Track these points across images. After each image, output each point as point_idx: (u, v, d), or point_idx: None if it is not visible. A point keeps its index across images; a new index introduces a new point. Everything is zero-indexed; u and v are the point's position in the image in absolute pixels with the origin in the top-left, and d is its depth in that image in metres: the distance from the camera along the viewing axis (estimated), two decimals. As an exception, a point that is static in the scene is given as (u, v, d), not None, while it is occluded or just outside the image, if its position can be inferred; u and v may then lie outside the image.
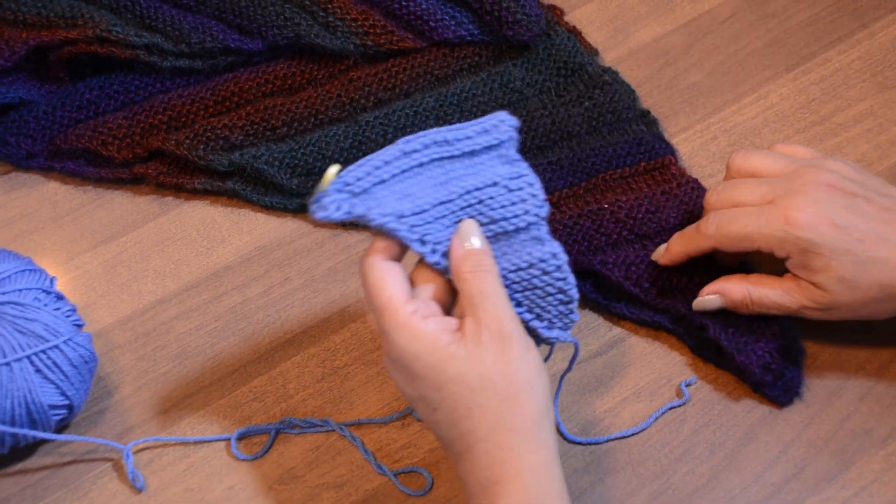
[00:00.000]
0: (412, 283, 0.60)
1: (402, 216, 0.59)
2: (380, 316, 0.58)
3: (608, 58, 0.85)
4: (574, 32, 0.85)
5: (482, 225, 0.60)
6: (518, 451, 0.56)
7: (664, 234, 0.72)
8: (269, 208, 0.78)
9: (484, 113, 0.80)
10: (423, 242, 0.59)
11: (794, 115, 0.82)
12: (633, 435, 0.66)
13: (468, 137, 0.61)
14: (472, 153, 0.61)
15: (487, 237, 0.60)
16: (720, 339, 0.67)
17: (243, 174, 0.77)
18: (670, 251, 0.69)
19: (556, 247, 0.60)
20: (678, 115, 0.82)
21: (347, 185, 0.58)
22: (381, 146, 0.77)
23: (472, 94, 0.80)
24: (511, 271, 0.60)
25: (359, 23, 0.82)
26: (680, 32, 0.87)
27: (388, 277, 0.58)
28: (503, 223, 0.60)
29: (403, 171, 0.60)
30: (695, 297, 0.69)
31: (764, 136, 0.80)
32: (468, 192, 0.60)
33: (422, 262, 0.60)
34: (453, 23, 0.82)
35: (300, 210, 0.77)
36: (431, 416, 0.58)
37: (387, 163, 0.59)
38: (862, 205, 0.64)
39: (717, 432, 0.67)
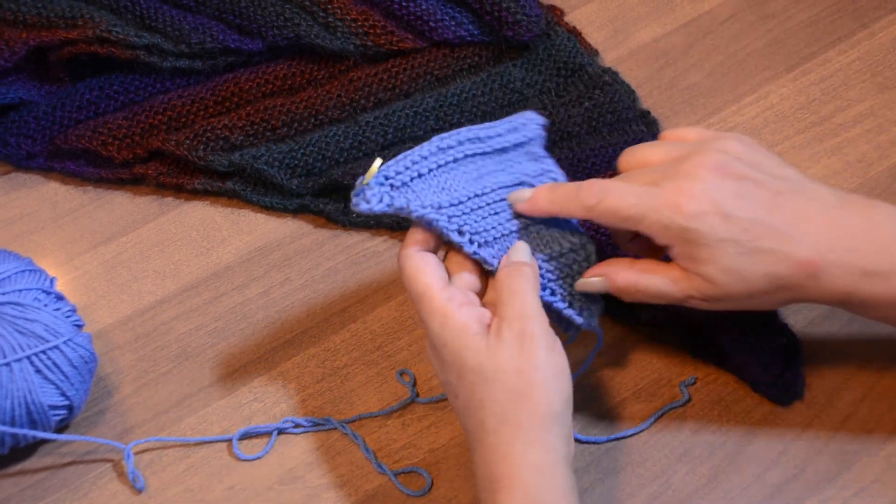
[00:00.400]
0: (447, 272, 0.62)
1: (440, 207, 0.61)
2: (418, 303, 0.60)
3: (608, 58, 0.85)
4: (574, 33, 0.85)
5: (515, 217, 0.63)
6: (520, 449, 0.56)
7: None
8: (268, 209, 0.78)
9: (484, 113, 0.80)
10: (460, 233, 0.61)
11: (794, 115, 0.82)
12: (633, 435, 0.66)
13: (499, 135, 0.65)
14: (503, 150, 0.65)
15: (520, 228, 0.63)
16: (720, 339, 0.67)
17: (243, 174, 0.77)
18: (534, 203, 0.63)
19: (585, 238, 0.64)
20: (678, 116, 0.82)
21: (388, 178, 0.61)
22: (382, 147, 0.78)
23: (472, 94, 0.80)
24: (544, 261, 0.63)
25: (359, 23, 0.82)
26: (680, 33, 0.87)
27: (425, 266, 0.60)
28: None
29: (439, 166, 0.62)
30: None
31: (764, 137, 0.80)
32: (501, 188, 0.64)
33: (454, 251, 0.63)
34: (453, 23, 0.82)
35: (300, 210, 0.77)
36: (455, 402, 0.60)
37: (424, 158, 0.62)
38: (752, 189, 0.59)
39: (717, 432, 0.67)
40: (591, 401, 0.68)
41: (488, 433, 0.57)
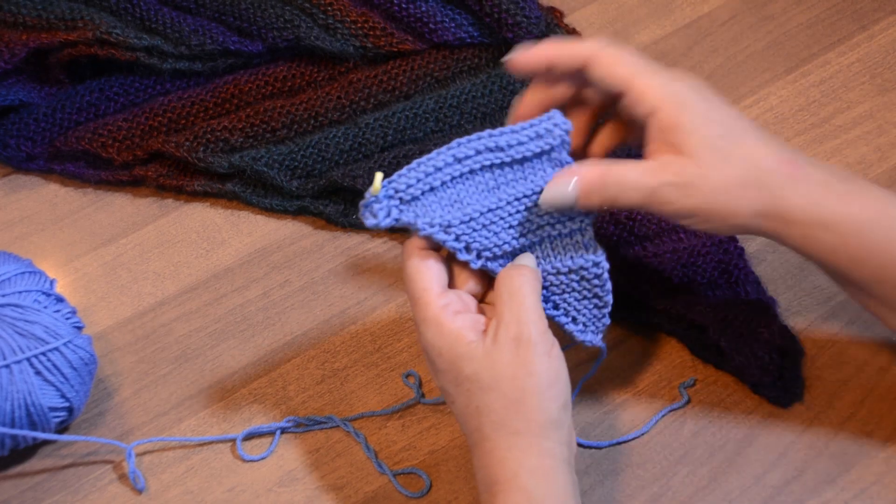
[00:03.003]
0: (451, 271, 0.61)
1: (449, 226, 0.59)
2: (413, 307, 0.59)
3: (608, 60, 0.85)
4: (574, 34, 0.85)
5: (530, 231, 0.61)
6: (517, 454, 0.56)
7: (664, 236, 0.72)
8: (268, 210, 0.78)
9: (484, 115, 0.80)
10: (468, 250, 0.60)
11: (793, 117, 0.82)
12: (633, 439, 0.66)
13: (520, 143, 0.60)
14: (524, 159, 0.60)
15: (534, 241, 0.61)
16: (720, 341, 0.67)
17: (243, 176, 0.78)
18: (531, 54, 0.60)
19: (600, 255, 0.61)
20: (678, 118, 0.82)
21: (397, 191, 0.59)
22: (381, 148, 0.78)
23: (471, 95, 0.80)
24: (552, 274, 0.61)
25: (359, 25, 0.82)
26: (679, 35, 0.87)
27: (425, 269, 0.59)
28: (549, 228, 0.61)
29: (453, 178, 0.60)
30: (695, 298, 0.69)
31: (763, 138, 0.80)
32: (517, 199, 0.60)
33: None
34: (453, 25, 0.82)
35: (300, 212, 0.77)
36: (452, 406, 0.59)
37: (438, 169, 0.59)
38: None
39: (717, 434, 0.67)
40: (590, 402, 0.68)
41: (486, 438, 0.57)
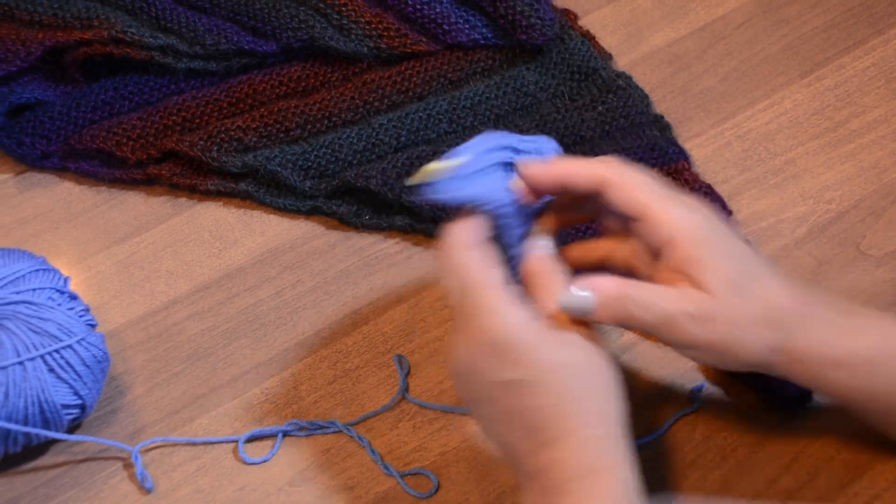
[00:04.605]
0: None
1: (482, 199, 0.59)
2: (471, 297, 0.57)
3: (622, 62, 0.85)
4: (588, 37, 0.85)
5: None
6: (611, 444, 0.56)
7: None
8: (281, 210, 0.78)
9: (497, 117, 0.80)
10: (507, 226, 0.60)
11: (808, 121, 0.81)
12: (644, 444, 0.66)
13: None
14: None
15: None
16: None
17: (256, 176, 0.78)
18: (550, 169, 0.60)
19: None
20: (691, 121, 0.82)
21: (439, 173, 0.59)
22: (394, 149, 0.78)
23: (485, 97, 0.80)
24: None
25: (373, 26, 0.82)
26: (694, 37, 0.87)
27: (485, 258, 0.58)
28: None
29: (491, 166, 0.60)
30: None
31: (777, 142, 0.80)
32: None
33: None
34: (467, 26, 0.82)
35: (313, 212, 0.77)
36: (521, 401, 0.56)
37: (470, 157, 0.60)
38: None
39: (729, 439, 0.66)
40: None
41: (584, 426, 0.55)
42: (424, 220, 0.75)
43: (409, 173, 0.75)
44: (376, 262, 0.75)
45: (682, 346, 0.59)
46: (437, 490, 0.65)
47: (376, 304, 0.73)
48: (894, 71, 0.84)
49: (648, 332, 0.59)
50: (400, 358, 0.70)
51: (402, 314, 0.72)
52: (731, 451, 0.66)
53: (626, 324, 0.59)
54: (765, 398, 0.68)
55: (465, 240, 0.58)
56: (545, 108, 0.80)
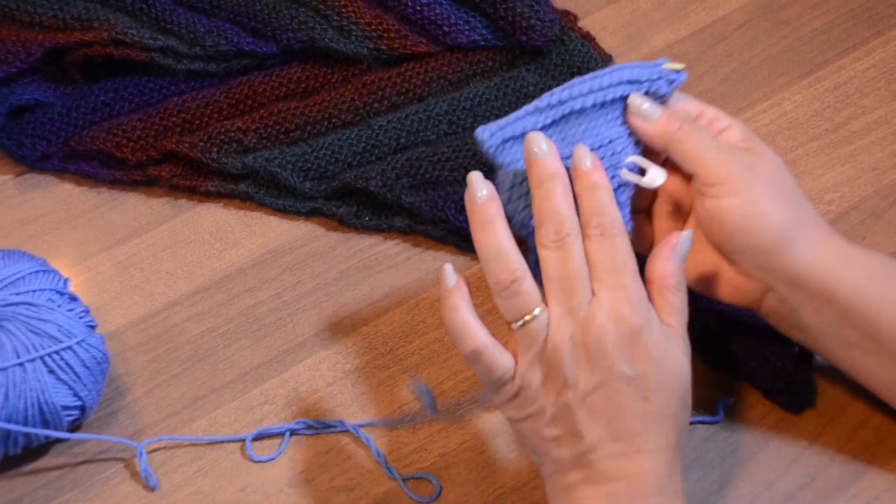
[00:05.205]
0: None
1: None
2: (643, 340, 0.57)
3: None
4: (588, 38, 0.85)
5: None
6: (679, 469, 0.58)
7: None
8: (281, 211, 0.78)
9: (497, 118, 0.79)
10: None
11: (807, 122, 0.81)
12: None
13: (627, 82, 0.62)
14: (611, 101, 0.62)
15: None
16: (732, 346, 0.67)
17: (256, 177, 0.78)
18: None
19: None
20: (691, 122, 0.82)
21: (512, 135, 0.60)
22: (394, 150, 0.78)
23: (485, 98, 0.80)
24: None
25: (373, 27, 0.82)
26: (693, 39, 0.87)
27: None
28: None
29: (554, 122, 0.61)
30: (707, 303, 0.68)
31: (777, 144, 0.80)
32: (601, 146, 0.62)
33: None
34: (467, 27, 0.82)
35: (312, 213, 0.77)
36: (638, 405, 0.56)
37: (541, 111, 0.60)
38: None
39: (729, 440, 0.66)
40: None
41: (682, 433, 0.57)
42: (424, 222, 0.75)
43: (408, 175, 0.75)
44: (376, 263, 0.75)
45: (708, 212, 0.60)
46: (438, 495, 0.65)
47: (376, 306, 0.73)
48: (894, 72, 0.84)
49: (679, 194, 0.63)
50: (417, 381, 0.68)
51: (402, 315, 0.72)
52: (731, 452, 0.66)
53: (679, 159, 0.61)
54: (765, 399, 0.68)
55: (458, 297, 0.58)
56: (545, 110, 0.80)
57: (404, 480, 0.65)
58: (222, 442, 0.67)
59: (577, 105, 0.61)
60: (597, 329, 0.55)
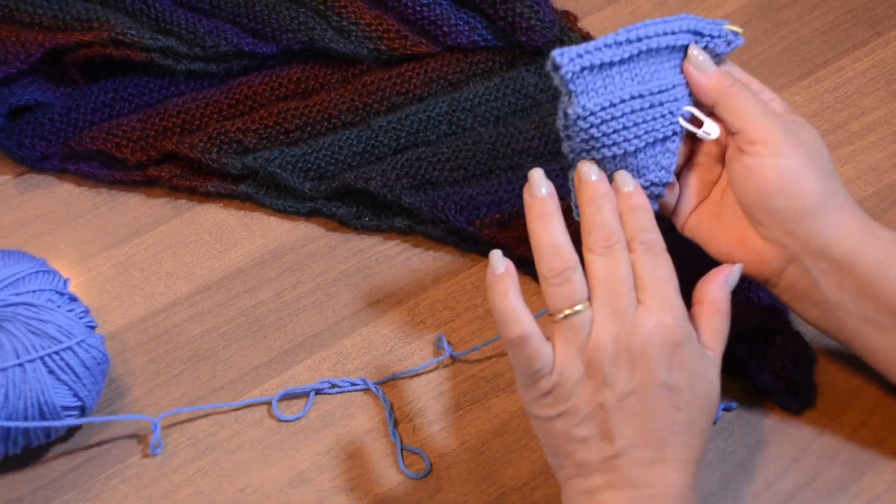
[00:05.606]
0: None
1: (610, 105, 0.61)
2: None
3: (621, 64, 0.85)
4: (588, 38, 0.85)
5: (645, 133, 0.62)
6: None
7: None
8: (281, 212, 0.78)
9: (497, 118, 0.80)
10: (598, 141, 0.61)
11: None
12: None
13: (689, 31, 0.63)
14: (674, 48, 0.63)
15: (638, 148, 0.62)
16: (732, 347, 0.67)
17: (256, 177, 0.78)
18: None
19: (670, 177, 0.64)
20: (691, 122, 0.82)
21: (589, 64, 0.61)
22: (394, 150, 0.78)
23: (485, 99, 0.81)
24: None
25: (373, 27, 0.82)
26: (693, 39, 0.86)
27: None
28: (660, 133, 0.63)
29: (622, 61, 0.62)
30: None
31: (777, 144, 0.80)
32: (661, 92, 0.63)
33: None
34: (467, 28, 0.82)
35: (312, 214, 0.77)
36: (671, 414, 0.56)
37: (611, 46, 0.61)
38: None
39: (729, 440, 0.67)
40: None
41: (701, 448, 0.58)
42: (424, 222, 0.75)
43: (408, 175, 0.75)
44: (376, 263, 0.75)
45: (747, 172, 0.61)
46: (429, 472, 0.65)
47: (376, 306, 0.73)
48: (894, 73, 0.84)
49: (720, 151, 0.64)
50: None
51: (402, 315, 0.72)
52: (731, 452, 0.66)
53: (719, 106, 0.62)
54: (766, 400, 0.68)
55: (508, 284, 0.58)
56: (545, 110, 0.80)
57: (402, 450, 0.66)
58: (248, 406, 0.68)
59: (653, 44, 0.62)
60: (644, 333, 0.56)
